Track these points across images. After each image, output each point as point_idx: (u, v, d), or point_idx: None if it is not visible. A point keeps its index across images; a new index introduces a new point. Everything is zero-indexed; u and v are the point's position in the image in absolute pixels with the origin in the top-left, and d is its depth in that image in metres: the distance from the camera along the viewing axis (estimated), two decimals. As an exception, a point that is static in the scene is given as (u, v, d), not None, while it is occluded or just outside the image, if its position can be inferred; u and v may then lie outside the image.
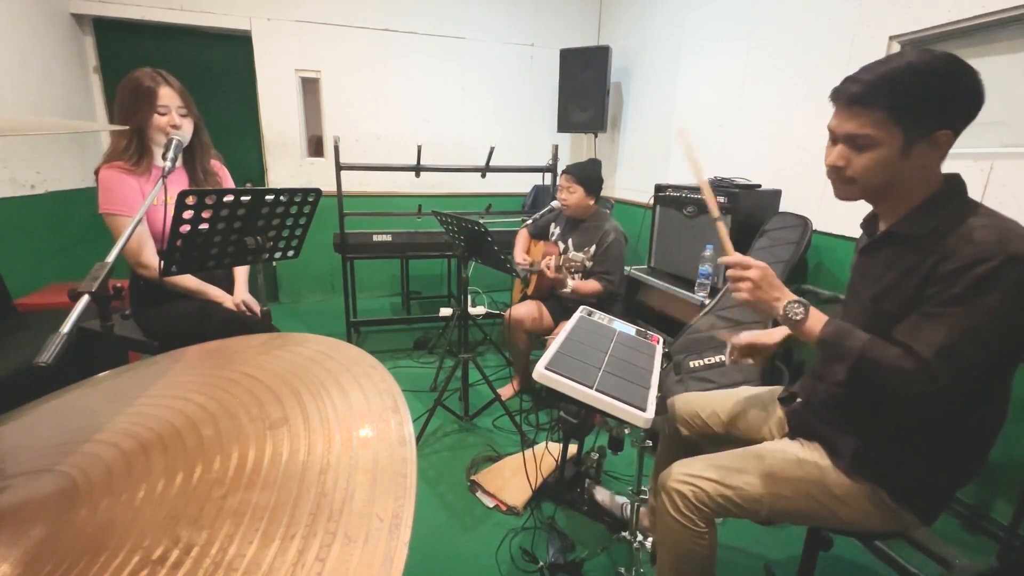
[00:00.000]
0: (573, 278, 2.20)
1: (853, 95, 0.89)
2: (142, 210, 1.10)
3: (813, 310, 0.96)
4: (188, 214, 1.17)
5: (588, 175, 2.30)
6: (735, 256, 1.01)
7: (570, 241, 2.40)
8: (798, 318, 0.96)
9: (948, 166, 0.94)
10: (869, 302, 1.00)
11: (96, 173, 1.53)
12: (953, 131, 0.87)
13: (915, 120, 0.86)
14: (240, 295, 1.76)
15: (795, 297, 0.98)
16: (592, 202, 2.33)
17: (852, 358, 0.91)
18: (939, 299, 0.86)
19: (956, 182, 0.94)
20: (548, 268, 2.12)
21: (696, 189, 2.51)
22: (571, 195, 2.30)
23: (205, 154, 1.70)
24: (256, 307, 1.74)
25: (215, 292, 1.68)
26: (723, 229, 1.08)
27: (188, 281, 1.64)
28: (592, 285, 2.24)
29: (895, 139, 0.87)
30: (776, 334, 1.25)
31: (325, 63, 3.67)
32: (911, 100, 0.85)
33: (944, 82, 0.84)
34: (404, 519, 0.46)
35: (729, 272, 1.01)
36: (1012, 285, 0.81)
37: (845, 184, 0.96)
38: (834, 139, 0.96)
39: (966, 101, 0.86)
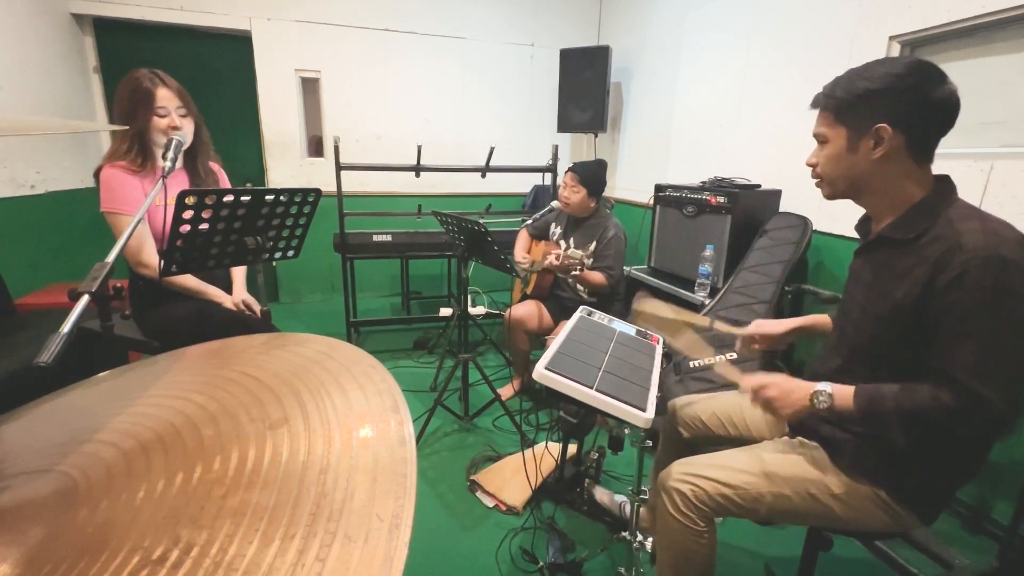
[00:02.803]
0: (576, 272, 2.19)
1: (814, 102, 1.01)
2: (142, 209, 1.10)
3: (836, 389, 0.95)
4: (188, 214, 1.17)
5: (594, 177, 2.29)
6: (748, 385, 1.05)
7: (572, 240, 2.39)
8: (825, 405, 0.95)
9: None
10: (866, 306, 1.00)
11: (96, 174, 1.53)
12: (892, 125, 0.90)
13: (853, 117, 0.94)
14: (239, 295, 1.76)
15: (814, 387, 0.97)
16: (593, 204, 2.33)
17: (897, 420, 0.90)
18: (956, 316, 0.85)
19: (945, 184, 0.95)
20: (553, 264, 2.11)
21: (696, 189, 2.51)
22: (574, 194, 2.29)
23: (205, 153, 1.70)
24: (256, 306, 1.74)
25: (215, 292, 1.68)
26: (731, 371, 1.13)
27: (188, 281, 1.64)
28: (597, 276, 2.23)
29: (841, 135, 0.97)
30: (784, 324, 1.26)
31: (325, 63, 3.67)
32: (848, 99, 0.94)
33: (875, 80, 0.91)
34: (404, 519, 0.46)
35: (753, 401, 1.05)
36: (1019, 287, 0.81)
37: (819, 181, 1.05)
38: None
39: (901, 97, 0.90)
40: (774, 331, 1.26)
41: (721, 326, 1.37)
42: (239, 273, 1.83)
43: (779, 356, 2.33)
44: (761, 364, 1.96)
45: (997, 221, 0.88)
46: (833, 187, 1.02)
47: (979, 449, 0.97)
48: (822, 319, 1.25)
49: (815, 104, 1.01)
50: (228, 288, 1.77)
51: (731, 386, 1.30)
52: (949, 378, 0.85)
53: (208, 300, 1.67)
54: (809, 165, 1.05)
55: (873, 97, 0.91)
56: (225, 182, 1.80)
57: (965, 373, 0.83)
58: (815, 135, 1.02)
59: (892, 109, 0.90)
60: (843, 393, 0.95)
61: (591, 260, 2.31)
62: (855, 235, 1.13)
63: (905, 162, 0.94)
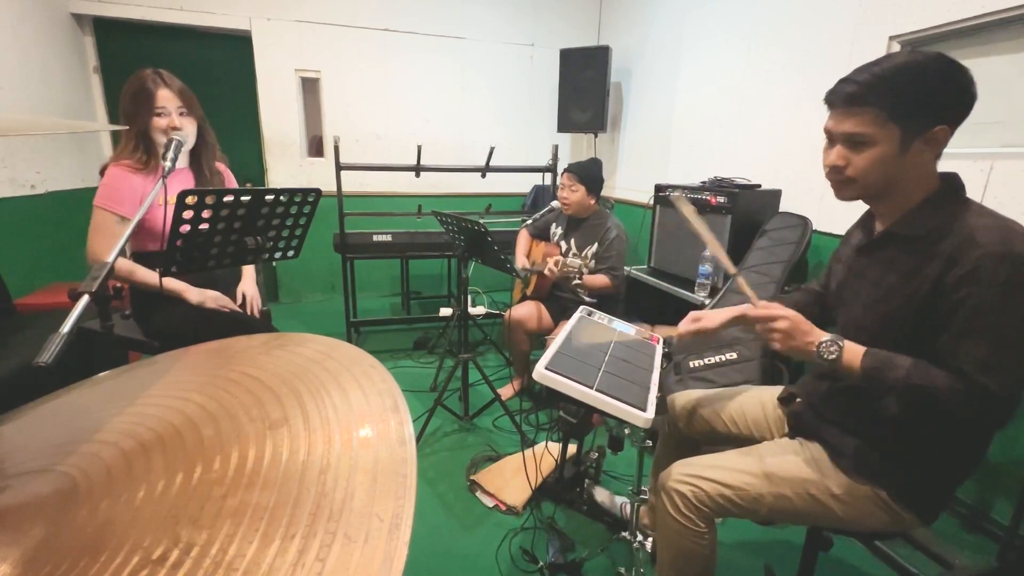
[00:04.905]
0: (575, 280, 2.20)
1: (849, 95, 0.90)
2: (141, 211, 1.10)
3: (848, 344, 0.94)
4: (188, 214, 1.17)
5: (590, 174, 2.30)
6: (762, 311, 1.00)
7: (572, 241, 2.39)
8: (832, 356, 0.93)
9: (948, 166, 0.94)
10: (872, 304, 1.00)
11: (102, 171, 1.54)
12: (949, 127, 0.88)
13: (912, 117, 0.87)
14: (243, 287, 1.78)
15: (828, 336, 0.95)
16: (593, 201, 2.33)
17: (898, 388, 0.89)
18: (968, 311, 0.84)
19: (954, 181, 0.95)
20: (552, 272, 2.12)
21: (696, 189, 2.51)
22: (572, 194, 2.30)
23: (211, 154, 1.69)
24: (256, 302, 1.74)
25: (180, 286, 1.60)
26: (743, 283, 1.08)
27: (149, 277, 1.56)
28: (601, 279, 2.24)
29: (893, 137, 0.88)
30: (715, 318, 1.18)
31: (325, 63, 3.67)
32: (907, 98, 0.86)
33: (938, 79, 0.86)
34: (404, 519, 0.46)
35: (758, 327, 1.01)
36: None
37: (845, 184, 0.95)
38: (832, 140, 0.96)
39: (960, 97, 0.87)
40: (707, 327, 1.18)
41: (743, 285, 1.18)
42: (249, 268, 1.84)
43: (778, 356, 2.33)
44: (761, 365, 1.96)
45: (1009, 219, 0.88)
46: (864, 190, 0.95)
47: (978, 445, 0.97)
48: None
49: (851, 100, 0.89)
50: (230, 287, 1.77)
51: (732, 386, 1.29)
52: (958, 371, 0.85)
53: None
54: (834, 167, 0.95)
55: (936, 97, 0.86)
56: (231, 183, 1.80)
57: (974, 367, 0.84)
58: (852, 134, 0.90)
59: (949, 109, 0.87)
60: (853, 350, 0.93)
61: (592, 263, 2.31)
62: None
63: (931, 160, 0.92)
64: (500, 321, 3.30)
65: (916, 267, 0.92)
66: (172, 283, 1.59)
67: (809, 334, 0.96)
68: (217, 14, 3.39)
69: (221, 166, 1.76)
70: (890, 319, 0.95)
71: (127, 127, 1.52)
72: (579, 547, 1.60)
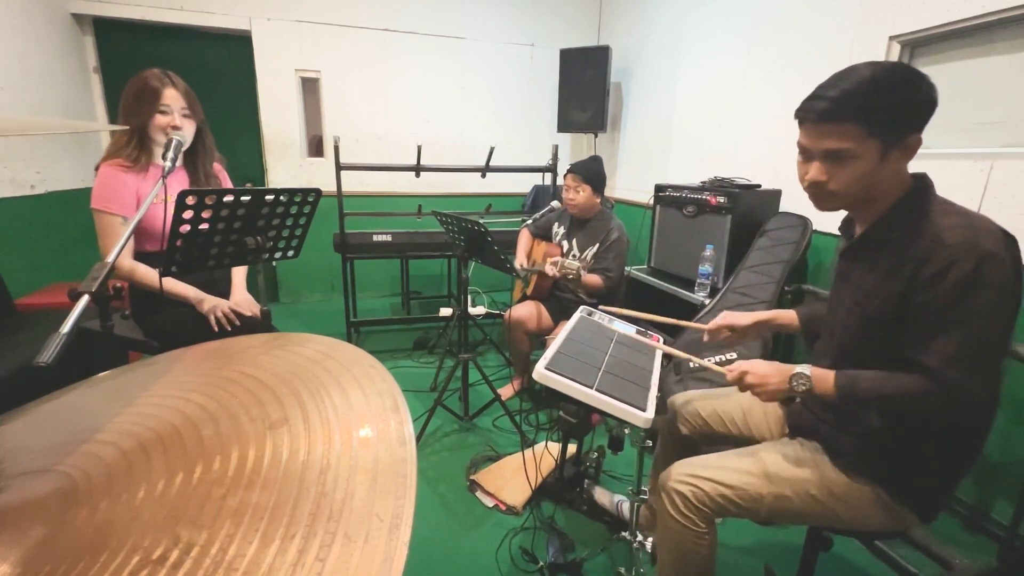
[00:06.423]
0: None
1: (823, 112, 0.91)
2: (141, 211, 1.10)
3: (815, 372, 0.99)
4: (188, 214, 1.17)
5: (594, 173, 2.29)
6: (731, 378, 1.08)
7: (575, 241, 2.39)
8: (804, 388, 0.98)
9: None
10: (853, 306, 1.01)
11: (96, 169, 1.54)
12: (920, 134, 0.90)
13: (888, 129, 0.88)
14: (235, 295, 1.73)
15: (793, 370, 1.00)
16: (598, 199, 2.33)
17: (874, 402, 0.93)
18: (935, 309, 0.87)
19: (923, 181, 0.96)
20: (552, 272, 2.12)
21: (696, 189, 2.51)
22: (579, 195, 2.29)
23: (207, 157, 1.69)
24: (255, 308, 1.73)
25: (192, 293, 1.61)
26: (714, 367, 1.14)
27: (150, 277, 1.56)
28: (594, 279, 2.24)
29: (873, 149, 0.89)
30: (750, 317, 1.28)
31: (325, 63, 3.67)
32: (882, 110, 0.87)
33: (908, 90, 0.88)
34: (404, 519, 0.46)
35: (740, 388, 1.08)
36: (997, 281, 0.83)
37: (827, 198, 0.97)
38: (808, 155, 0.98)
39: (926, 105, 0.89)
40: (740, 323, 1.28)
41: (689, 324, 1.41)
42: (239, 273, 1.81)
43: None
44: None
45: (976, 216, 0.89)
46: (846, 201, 0.98)
47: (974, 439, 0.98)
48: (787, 314, 1.28)
49: (826, 116, 0.90)
50: (228, 285, 1.77)
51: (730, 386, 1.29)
52: (925, 368, 0.87)
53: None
54: (815, 182, 0.96)
55: (908, 107, 0.88)
56: (228, 184, 1.79)
57: (944, 363, 0.85)
58: (833, 151, 0.91)
59: (919, 118, 0.89)
60: (822, 376, 0.98)
61: (591, 263, 2.31)
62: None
63: (904, 165, 0.94)
64: (500, 321, 3.30)
65: (893, 269, 0.93)
66: (184, 288, 1.60)
67: (773, 375, 1.02)
68: (217, 14, 3.39)
69: (218, 167, 1.75)
70: (870, 320, 0.97)
71: (126, 126, 1.51)
72: (579, 547, 1.60)
